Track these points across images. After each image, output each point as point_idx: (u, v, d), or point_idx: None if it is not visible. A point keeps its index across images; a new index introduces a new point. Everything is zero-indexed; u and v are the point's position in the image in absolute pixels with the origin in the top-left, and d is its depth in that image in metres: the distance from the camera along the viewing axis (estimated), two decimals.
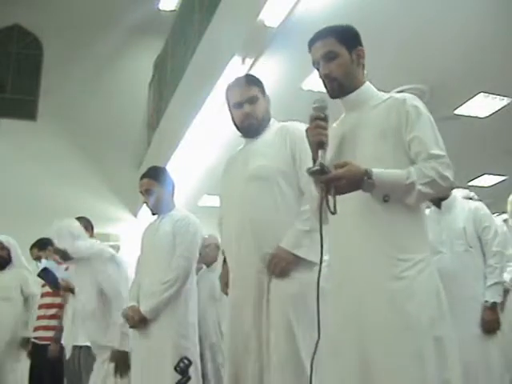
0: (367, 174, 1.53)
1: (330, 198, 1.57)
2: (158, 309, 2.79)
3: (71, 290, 3.73)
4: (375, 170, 1.55)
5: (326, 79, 1.76)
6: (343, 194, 1.57)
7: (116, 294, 3.17)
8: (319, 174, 1.55)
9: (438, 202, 3.15)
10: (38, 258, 4.53)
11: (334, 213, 1.57)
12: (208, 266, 4.56)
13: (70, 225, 3.41)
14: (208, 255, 4.50)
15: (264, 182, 2.07)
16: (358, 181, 1.54)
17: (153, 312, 2.79)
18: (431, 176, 1.56)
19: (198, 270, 4.25)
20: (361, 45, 1.78)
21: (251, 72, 4.92)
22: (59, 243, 3.28)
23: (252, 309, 2.03)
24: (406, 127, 1.65)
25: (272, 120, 2.26)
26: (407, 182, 1.55)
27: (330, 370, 1.65)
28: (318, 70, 1.79)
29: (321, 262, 1.64)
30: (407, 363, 1.51)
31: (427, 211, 3.23)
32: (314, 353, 1.62)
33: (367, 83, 1.79)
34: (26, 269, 4.64)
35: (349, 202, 1.65)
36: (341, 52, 1.74)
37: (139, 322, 2.79)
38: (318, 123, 1.59)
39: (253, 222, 2.06)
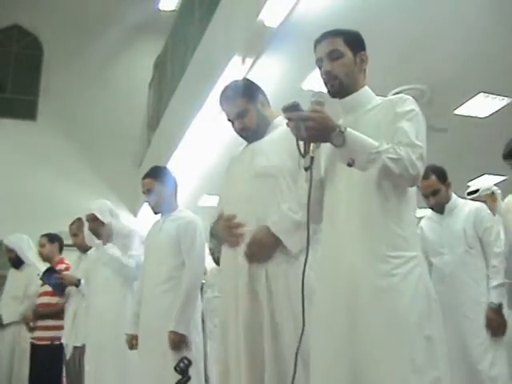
0: (340, 127, 1.56)
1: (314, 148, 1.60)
2: (187, 319, 2.80)
3: (76, 283, 3.77)
4: (350, 129, 1.58)
5: (327, 77, 1.78)
6: (312, 138, 1.59)
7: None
8: (292, 110, 1.59)
9: (441, 207, 3.16)
10: (42, 246, 4.52)
11: (303, 156, 1.61)
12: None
13: (108, 204, 3.60)
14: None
15: (269, 180, 2.04)
16: (329, 129, 1.56)
17: (183, 326, 2.77)
18: (401, 155, 1.58)
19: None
20: (365, 50, 1.82)
21: (251, 72, 4.93)
22: (102, 217, 3.46)
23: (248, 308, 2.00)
24: (394, 122, 1.68)
25: (279, 119, 2.17)
26: (375, 150, 1.56)
27: (317, 367, 1.66)
28: (320, 68, 1.81)
29: (306, 256, 1.65)
30: (396, 361, 1.52)
31: (428, 214, 3.25)
32: (299, 346, 1.64)
33: (366, 87, 1.83)
34: (36, 267, 4.65)
35: (343, 198, 1.69)
36: (346, 52, 1.77)
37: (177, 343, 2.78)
38: (315, 107, 1.62)
39: (259, 221, 2.04)
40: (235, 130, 2.20)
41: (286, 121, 1.65)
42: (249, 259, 1.96)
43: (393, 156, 1.56)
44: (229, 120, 2.20)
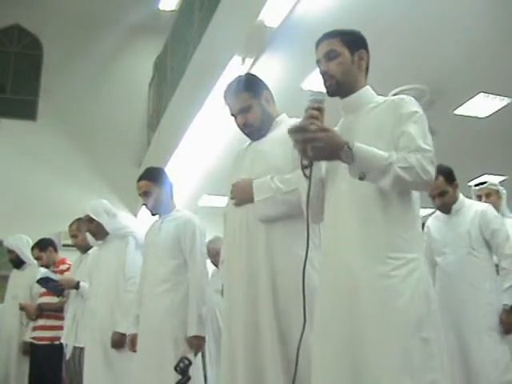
0: (348, 144, 1.54)
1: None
2: (203, 320, 2.77)
3: (75, 286, 3.76)
4: (357, 143, 1.56)
5: (325, 76, 1.79)
6: (320, 158, 1.60)
7: (133, 278, 3.21)
8: (299, 131, 1.58)
9: (447, 208, 3.15)
10: (38, 259, 4.55)
11: (307, 177, 1.61)
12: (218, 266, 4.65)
13: (105, 203, 3.58)
14: (217, 260, 4.58)
15: None
16: (337, 148, 1.55)
17: (202, 328, 2.75)
18: (412, 164, 1.57)
19: None
20: (365, 49, 1.82)
21: (251, 72, 4.91)
22: (98, 218, 3.44)
23: (248, 311, 2.00)
24: (399, 125, 1.67)
25: (281, 116, 2.18)
26: (386, 163, 1.55)
27: (317, 368, 1.66)
28: (320, 68, 1.82)
29: (306, 255, 1.65)
30: (393, 362, 1.51)
31: (436, 213, 3.25)
32: (301, 339, 1.64)
33: (367, 87, 1.83)
34: (36, 266, 4.67)
35: (345, 198, 1.69)
36: (342, 52, 1.78)
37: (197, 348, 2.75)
38: (311, 112, 1.60)
39: (257, 227, 2.04)
40: (237, 125, 2.18)
41: (288, 119, 1.64)
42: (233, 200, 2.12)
43: (404, 165, 1.56)
44: (232, 115, 2.18)
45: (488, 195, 3.66)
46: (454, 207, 3.15)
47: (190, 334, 2.72)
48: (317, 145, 1.54)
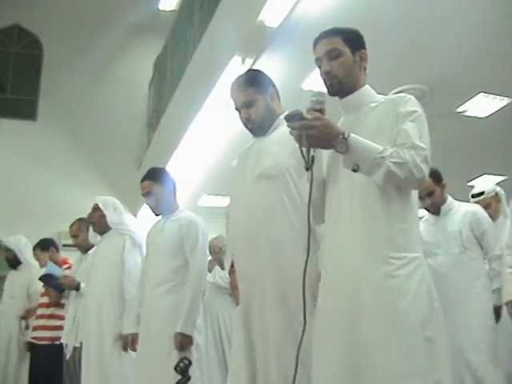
0: (343, 134, 1.55)
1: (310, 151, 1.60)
2: (193, 320, 2.78)
3: (76, 288, 3.77)
4: (353, 135, 1.57)
5: (327, 76, 1.77)
6: (315, 146, 1.59)
7: (132, 279, 3.23)
8: (294, 119, 1.58)
9: (437, 209, 3.18)
10: (40, 259, 4.56)
11: (307, 166, 1.60)
12: (222, 267, 4.65)
13: (117, 202, 3.63)
14: (220, 259, 4.60)
15: (273, 181, 2.03)
16: (332, 137, 1.56)
17: (189, 327, 2.76)
18: (406, 159, 1.57)
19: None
20: (364, 48, 1.81)
21: None
22: (104, 208, 3.50)
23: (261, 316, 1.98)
24: (397, 123, 1.68)
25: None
26: (379, 156, 1.56)
27: (318, 364, 1.66)
28: (319, 67, 1.80)
29: (307, 257, 1.64)
30: (397, 362, 1.51)
31: (425, 216, 3.26)
32: (300, 342, 1.63)
33: (367, 86, 1.82)
34: (33, 267, 4.68)
35: (346, 198, 1.69)
36: (344, 51, 1.76)
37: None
38: (312, 113, 1.60)
39: (263, 225, 2.02)
40: (241, 119, 2.19)
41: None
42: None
43: (397, 160, 1.56)
44: (236, 109, 2.19)
45: (488, 206, 3.62)
46: (444, 208, 3.18)
47: (175, 330, 2.73)
48: (312, 132, 1.55)
